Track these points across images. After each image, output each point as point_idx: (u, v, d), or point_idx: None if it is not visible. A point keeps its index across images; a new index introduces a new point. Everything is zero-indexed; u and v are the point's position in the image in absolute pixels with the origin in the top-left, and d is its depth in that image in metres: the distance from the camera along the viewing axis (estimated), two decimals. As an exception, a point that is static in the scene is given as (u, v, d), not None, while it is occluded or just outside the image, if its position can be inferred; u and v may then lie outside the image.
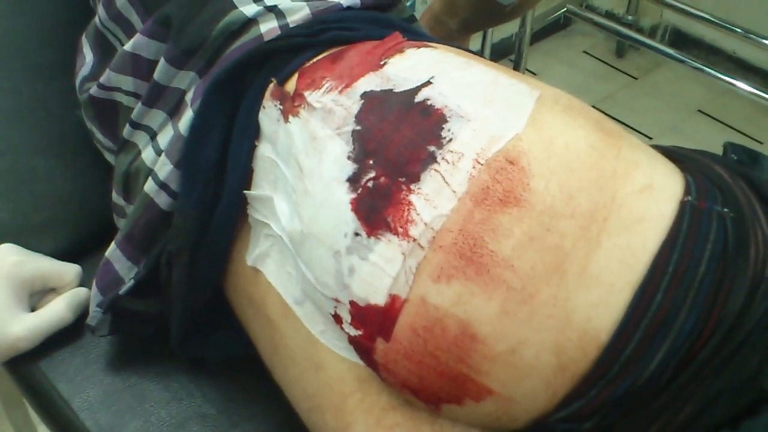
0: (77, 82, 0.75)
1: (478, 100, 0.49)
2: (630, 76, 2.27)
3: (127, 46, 0.65)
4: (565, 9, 2.07)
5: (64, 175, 0.80)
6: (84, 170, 0.81)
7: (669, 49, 1.98)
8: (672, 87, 2.22)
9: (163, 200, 0.61)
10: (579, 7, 2.07)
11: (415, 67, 0.52)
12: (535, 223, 0.45)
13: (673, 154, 0.53)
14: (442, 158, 0.47)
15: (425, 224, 0.46)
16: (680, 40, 2.28)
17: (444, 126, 0.48)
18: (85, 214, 0.80)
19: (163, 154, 0.61)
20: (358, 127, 0.50)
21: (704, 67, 1.88)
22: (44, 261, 0.72)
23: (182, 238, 0.59)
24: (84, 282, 0.74)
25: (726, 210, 0.45)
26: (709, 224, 0.45)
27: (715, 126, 2.12)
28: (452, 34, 0.90)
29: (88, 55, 0.74)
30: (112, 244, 0.65)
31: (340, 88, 0.52)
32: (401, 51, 0.54)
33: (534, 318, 0.44)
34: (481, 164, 0.46)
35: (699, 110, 2.16)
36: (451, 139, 0.48)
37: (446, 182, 0.47)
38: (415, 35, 0.61)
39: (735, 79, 1.87)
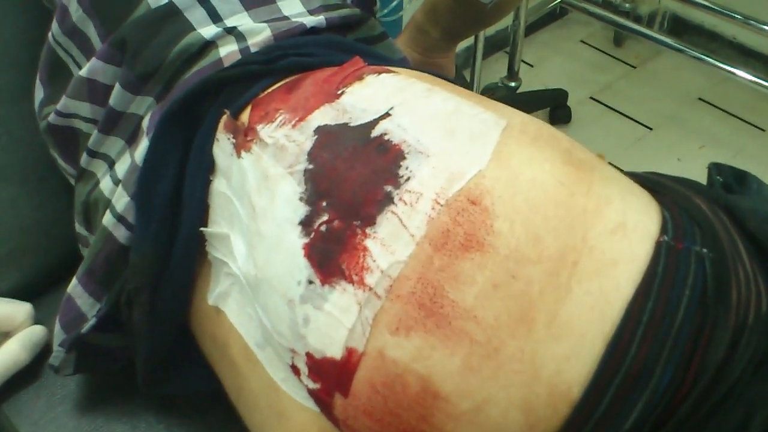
0: (36, 107, 0.72)
1: (439, 132, 0.46)
2: (628, 65, 2.23)
3: (83, 72, 0.62)
4: (561, 0, 2.03)
5: (29, 204, 0.77)
6: (50, 197, 0.78)
7: (667, 37, 1.94)
8: (672, 75, 2.18)
9: (121, 233, 0.58)
10: (574, -3, 2.03)
11: (373, 97, 0.49)
12: (499, 270, 0.42)
13: (648, 182, 0.49)
14: (400, 199, 0.44)
15: (382, 271, 0.43)
16: (679, 26, 2.24)
17: (402, 163, 0.45)
18: (52, 243, 0.78)
19: (120, 185, 0.58)
20: (311, 166, 0.47)
21: (703, 56, 1.84)
22: None
23: (140, 277, 0.56)
24: (48, 316, 0.71)
25: (705, 250, 0.42)
26: (686, 267, 0.41)
27: (716, 114, 2.08)
28: (436, 43, 0.87)
29: (38, 76, 0.71)
30: (74, 279, 0.63)
31: (293, 122, 0.49)
32: (360, 78, 0.51)
33: (500, 373, 0.41)
34: (441, 205, 0.43)
35: (699, 98, 2.12)
36: (409, 178, 0.44)
37: (404, 225, 0.43)
38: (378, 59, 0.58)
39: (736, 65, 1.83)
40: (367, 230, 0.44)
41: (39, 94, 0.71)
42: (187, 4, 0.58)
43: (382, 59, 0.59)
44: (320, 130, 0.48)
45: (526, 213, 0.43)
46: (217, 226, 0.54)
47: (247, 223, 0.50)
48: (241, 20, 0.58)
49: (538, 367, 0.41)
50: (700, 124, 2.05)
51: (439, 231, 0.43)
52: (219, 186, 0.53)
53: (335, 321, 0.44)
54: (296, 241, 0.45)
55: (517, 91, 2.05)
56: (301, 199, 0.46)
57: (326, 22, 0.59)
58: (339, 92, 0.50)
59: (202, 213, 0.54)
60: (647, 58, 2.23)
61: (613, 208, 0.44)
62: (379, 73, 0.51)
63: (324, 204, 0.45)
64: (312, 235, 0.45)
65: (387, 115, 0.47)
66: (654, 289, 0.41)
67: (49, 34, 0.68)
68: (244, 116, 0.53)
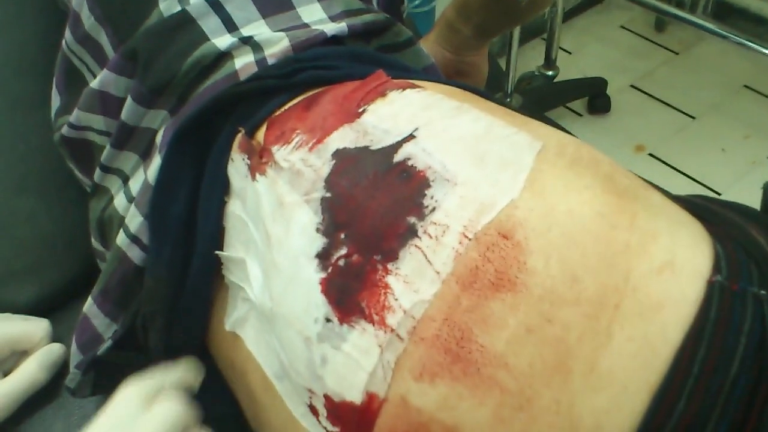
0: (52, 115, 0.70)
1: (467, 157, 0.42)
2: (671, 51, 2.16)
3: (94, 84, 0.59)
4: (600, -16, 1.96)
5: (47, 216, 0.75)
6: (69, 208, 0.75)
7: (711, 22, 1.87)
8: (716, 61, 2.10)
9: (135, 254, 0.56)
10: (614, -19, 1.96)
11: (397, 116, 0.45)
12: (533, 312, 0.38)
13: (698, 209, 0.44)
14: (424, 232, 0.40)
15: (404, 311, 0.39)
16: (724, 10, 2.16)
17: (426, 192, 0.41)
18: (72, 256, 0.75)
19: (133, 205, 0.56)
20: (328, 194, 0.43)
21: (749, 42, 1.77)
22: (8, 324, 0.67)
23: (155, 302, 0.54)
24: (67, 331, 0.69)
25: (764, 292, 0.38)
26: (742, 311, 0.37)
27: (762, 102, 2.01)
28: (467, 41, 0.83)
29: (54, 86, 0.68)
30: (89, 299, 0.60)
31: (310, 144, 0.46)
32: (383, 94, 0.47)
33: (533, 426, 0.37)
34: (469, 239, 0.39)
35: (745, 85, 2.04)
36: (434, 208, 0.41)
37: (429, 261, 0.40)
38: (404, 70, 0.54)
39: (783, 51, 1.76)
40: (389, 266, 0.40)
41: (55, 102, 0.69)
42: (201, 12, 0.55)
43: (407, 70, 0.55)
44: (338, 154, 0.44)
45: (562, 249, 0.39)
46: (232, 249, 0.51)
47: (262, 250, 0.47)
48: (258, 29, 0.55)
49: (575, 420, 0.37)
50: (746, 112, 1.97)
51: (467, 268, 0.39)
52: (234, 208, 0.50)
53: (354, 363, 0.40)
54: (313, 275, 0.42)
55: (555, 80, 1.99)
56: (317, 230, 0.43)
57: (348, 30, 0.55)
58: (360, 110, 0.46)
59: (217, 235, 0.51)
60: (690, 44, 2.16)
61: (659, 243, 0.39)
62: (404, 88, 0.48)
63: (342, 236, 0.42)
64: (329, 270, 0.42)
65: (411, 137, 0.44)
66: (706, 335, 0.37)
67: (63, 42, 0.66)
68: (260, 134, 0.50)
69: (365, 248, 0.41)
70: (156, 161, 0.54)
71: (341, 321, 0.41)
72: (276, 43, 0.53)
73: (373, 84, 0.48)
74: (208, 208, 0.51)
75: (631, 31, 2.23)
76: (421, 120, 0.45)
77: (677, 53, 2.15)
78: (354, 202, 0.42)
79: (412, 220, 0.41)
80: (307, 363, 0.43)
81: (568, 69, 2.06)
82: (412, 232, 0.40)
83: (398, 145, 0.43)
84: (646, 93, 2.04)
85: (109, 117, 0.60)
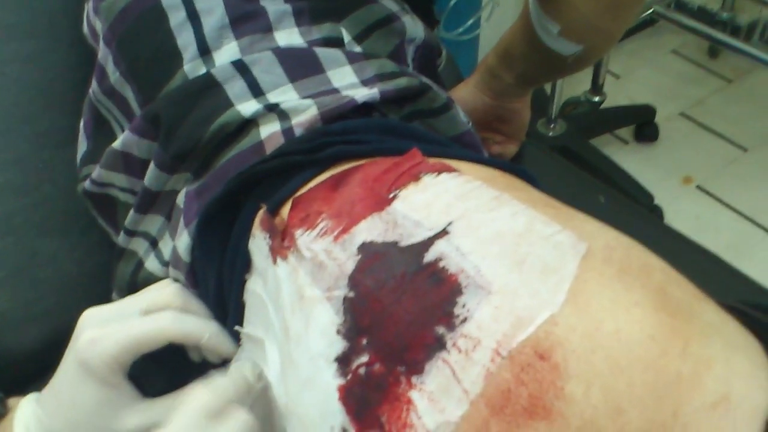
0: (78, 158, 0.68)
1: (505, 260, 0.38)
2: (724, 78, 2.09)
3: (116, 144, 0.57)
4: (652, 10, 1.90)
5: (69, 258, 0.73)
6: (91, 251, 0.73)
7: (766, 52, 1.80)
8: (771, 90, 2.03)
9: None
10: (667, 8, 1.89)
11: (430, 205, 0.42)
12: None
13: (756, 326, 0.40)
14: (453, 345, 0.37)
15: None
16: (782, 37, 2.07)
17: (458, 299, 0.38)
18: (93, 300, 0.73)
19: (171, 268, 0.54)
20: (351, 294, 0.40)
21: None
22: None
23: None
24: None
25: None
26: None
27: (820, 135, 1.92)
28: (509, 88, 0.79)
29: (81, 130, 0.66)
30: None
31: (335, 233, 0.42)
32: (416, 178, 0.44)
33: None
34: (502, 357, 0.36)
35: (802, 117, 1.96)
36: (465, 319, 0.37)
37: (456, 378, 0.36)
38: (440, 144, 0.50)
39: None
40: (413, 379, 0.37)
41: (82, 146, 0.67)
42: (226, 76, 0.52)
43: (444, 144, 0.51)
44: (365, 249, 0.41)
45: (606, 376, 0.35)
46: (252, 326, 0.48)
47: (281, 338, 0.44)
48: (285, 94, 0.52)
49: None
50: (802, 145, 1.89)
51: (499, 390, 0.35)
52: (254, 286, 0.47)
53: (371, 484, 0.37)
54: (331, 381, 0.39)
55: (601, 106, 1.94)
56: (338, 332, 0.40)
57: (380, 96, 0.52)
58: (390, 196, 0.43)
59: (240, 312, 0.49)
60: (745, 71, 2.08)
61: (714, 374, 0.36)
62: (439, 171, 0.44)
63: (364, 342, 0.39)
64: (349, 377, 0.38)
65: (444, 232, 0.40)
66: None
67: (90, 91, 0.63)
68: (284, 211, 0.47)
69: (388, 358, 0.38)
70: (184, 237, 0.51)
71: (359, 435, 0.38)
72: (303, 111, 0.50)
73: (407, 165, 0.45)
74: (230, 285, 0.49)
75: (682, 56, 2.16)
76: (456, 212, 0.41)
77: (730, 81, 2.07)
78: (379, 305, 0.39)
79: (441, 330, 0.37)
80: (321, 474, 0.39)
81: (616, 94, 2.00)
82: (440, 344, 0.37)
83: (429, 242, 0.40)
84: (696, 122, 1.97)
85: (132, 176, 0.57)
